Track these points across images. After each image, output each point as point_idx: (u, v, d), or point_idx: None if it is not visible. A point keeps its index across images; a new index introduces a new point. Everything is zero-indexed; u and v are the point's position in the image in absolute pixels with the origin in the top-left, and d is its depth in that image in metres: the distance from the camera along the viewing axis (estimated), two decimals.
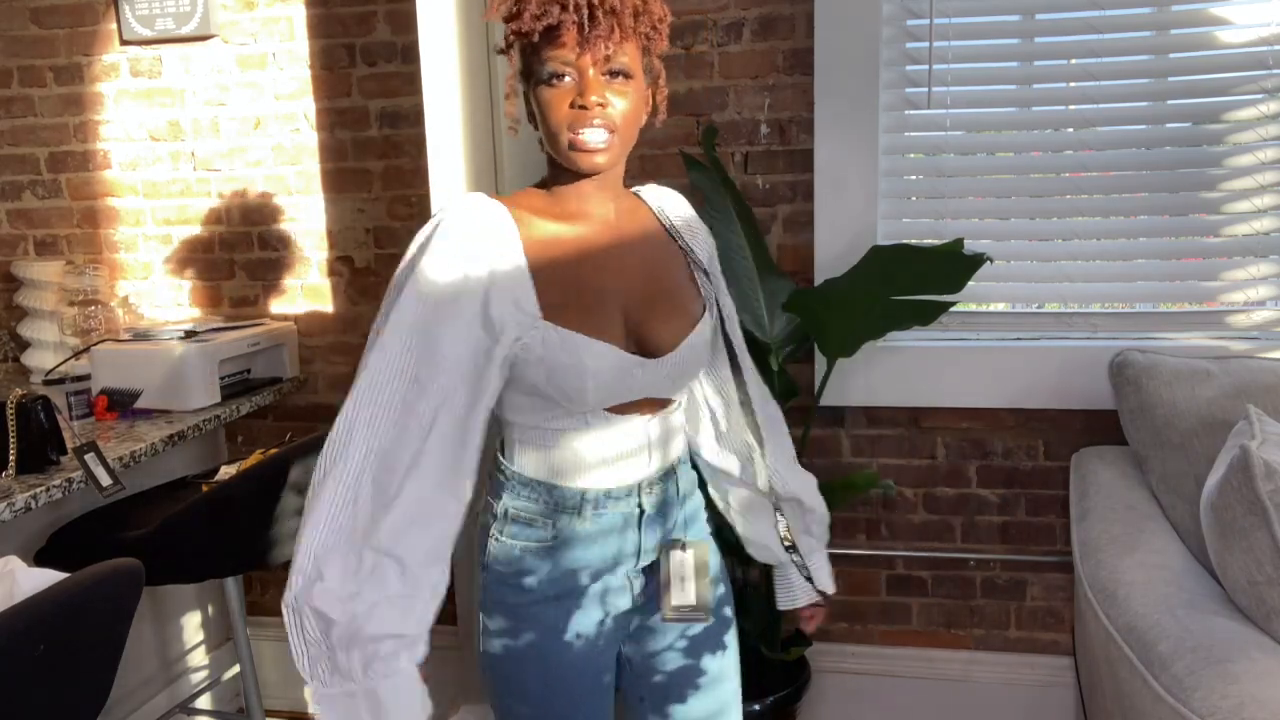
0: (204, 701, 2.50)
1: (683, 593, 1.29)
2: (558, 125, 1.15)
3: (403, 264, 1.22)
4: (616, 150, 1.18)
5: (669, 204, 1.35)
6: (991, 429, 2.30)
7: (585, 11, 1.12)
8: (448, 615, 2.52)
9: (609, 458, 1.26)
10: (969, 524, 2.34)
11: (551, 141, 1.18)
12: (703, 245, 1.36)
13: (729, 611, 1.42)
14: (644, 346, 1.23)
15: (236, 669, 2.13)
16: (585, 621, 1.28)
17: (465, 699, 2.22)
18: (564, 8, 1.12)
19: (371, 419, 1.12)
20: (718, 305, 1.36)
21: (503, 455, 1.30)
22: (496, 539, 1.29)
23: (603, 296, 1.22)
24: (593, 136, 1.14)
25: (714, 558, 1.40)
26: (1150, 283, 2.24)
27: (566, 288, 1.19)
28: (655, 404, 1.28)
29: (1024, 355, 2.24)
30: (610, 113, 1.15)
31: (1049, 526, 2.31)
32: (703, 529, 1.40)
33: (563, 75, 1.14)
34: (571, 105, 1.14)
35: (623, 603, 1.31)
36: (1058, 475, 2.28)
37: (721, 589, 1.41)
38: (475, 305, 1.16)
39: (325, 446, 1.13)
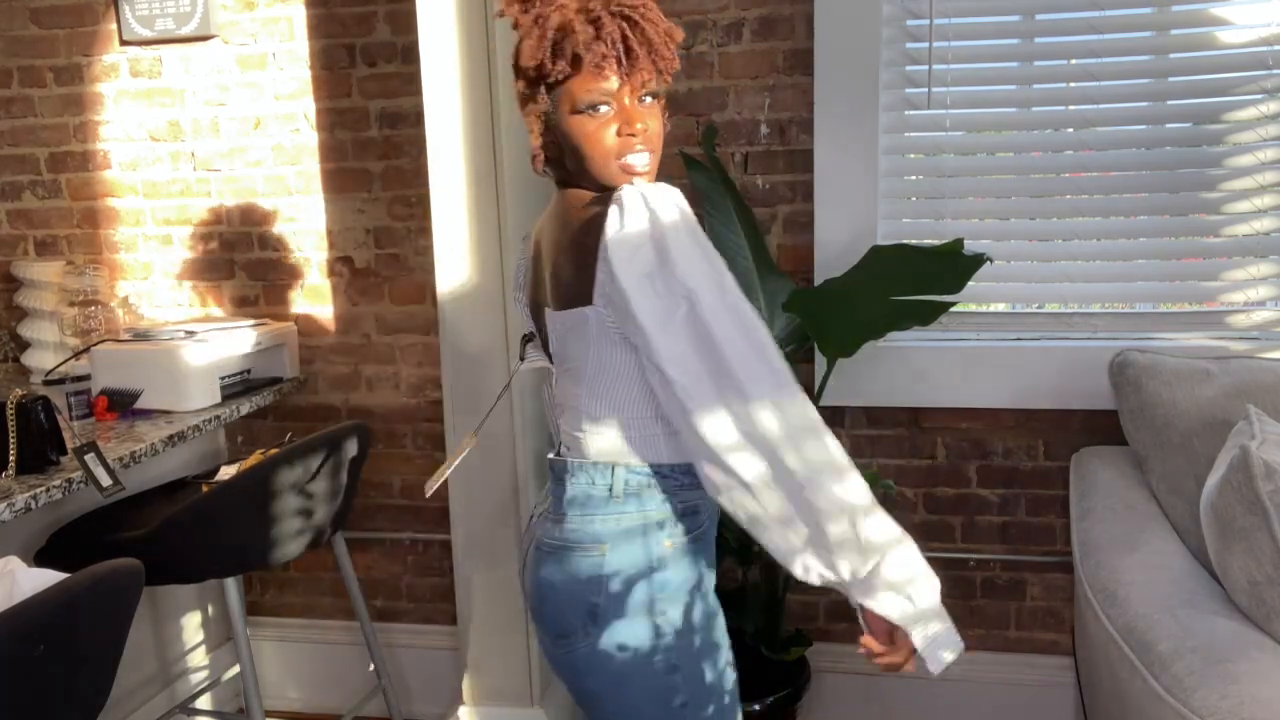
0: (204, 701, 2.50)
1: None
2: (605, 153, 1.22)
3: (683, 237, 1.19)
4: (655, 169, 1.26)
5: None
6: (991, 429, 2.30)
7: (621, 48, 1.19)
8: (448, 616, 2.54)
9: None
10: (969, 524, 2.34)
11: (598, 170, 1.24)
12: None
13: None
14: None
15: (236, 669, 2.13)
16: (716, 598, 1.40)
17: (465, 699, 2.23)
18: (606, 44, 1.18)
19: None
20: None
21: (617, 476, 1.34)
22: (666, 541, 1.36)
23: None
24: (639, 160, 1.23)
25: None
26: (1150, 283, 2.24)
27: None
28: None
29: (1024, 355, 2.24)
30: (649, 135, 1.23)
31: (1049, 526, 2.31)
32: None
33: (599, 106, 1.21)
34: (619, 133, 1.22)
35: None
36: (1058, 475, 2.28)
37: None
38: None
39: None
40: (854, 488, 1.16)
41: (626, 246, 1.17)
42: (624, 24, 1.20)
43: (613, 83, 1.20)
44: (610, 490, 1.27)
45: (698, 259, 1.17)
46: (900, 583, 1.19)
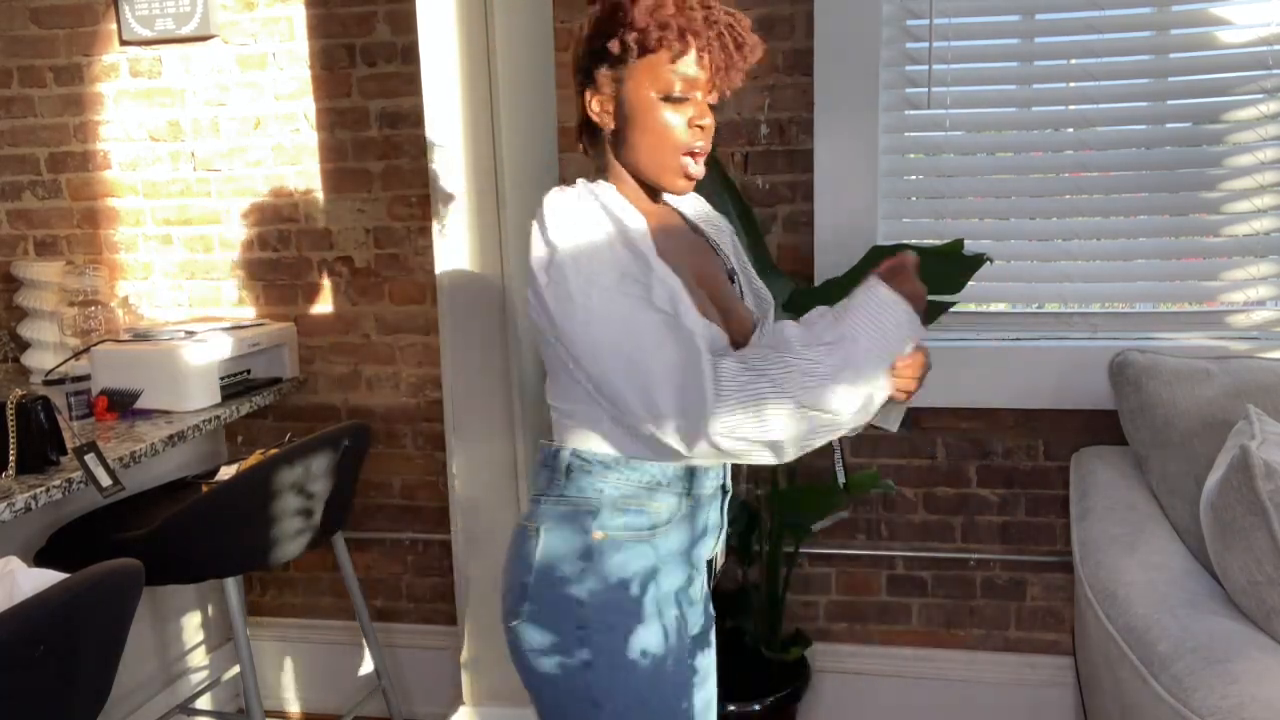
0: (204, 702, 2.50)
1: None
2: (674, 146, 1.18)
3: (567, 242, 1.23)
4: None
5: (697, 210, 1.41)
6: (991, 429, 2.30)
7: (730, 43, 1.17)
8: (448, 616, 2.54)
9: None
10: (969, 524, 2.34)
11: (659, 157, 1.20)
12: (729, 242, 1.42)
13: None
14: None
15: (236, 669, 2.13)
16: (684, 621, 1.34)
17: (465, 699, 2.23)
18: (714, 30, 1.16)
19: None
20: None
21: (571, 463, 1.35)
22: (602, 537, 1.33)
23: (727, 291, 1.32)
24: (695, 165, 1.20)
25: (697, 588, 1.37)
26: (1150, 283, 2.24)
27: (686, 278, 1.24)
28: None
29: (1024, 355, 2.24)
30: (710, 137, 1.21)
31: (1049, 526, 2.31)
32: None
33: (685, 97, 1.17)
34: (690, 124, 1.18)
35: (704, 589, 1.40)
36: (1058, 475, 2.28)
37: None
38: None
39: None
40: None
41: None
42: (731, 17, 1.18)
43: (705, 73, 1.17)
44: (553, 472, 1.26)
45: None
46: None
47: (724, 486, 1.34)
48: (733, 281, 1.36)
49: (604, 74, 1.20)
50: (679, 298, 1.12)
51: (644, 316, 1.11)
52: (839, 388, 1.10)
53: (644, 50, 1.17)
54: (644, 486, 1.23)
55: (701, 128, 1.18)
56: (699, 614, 1.36)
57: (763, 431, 1.11)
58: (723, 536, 1.37)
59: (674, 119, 1.17)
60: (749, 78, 1.25)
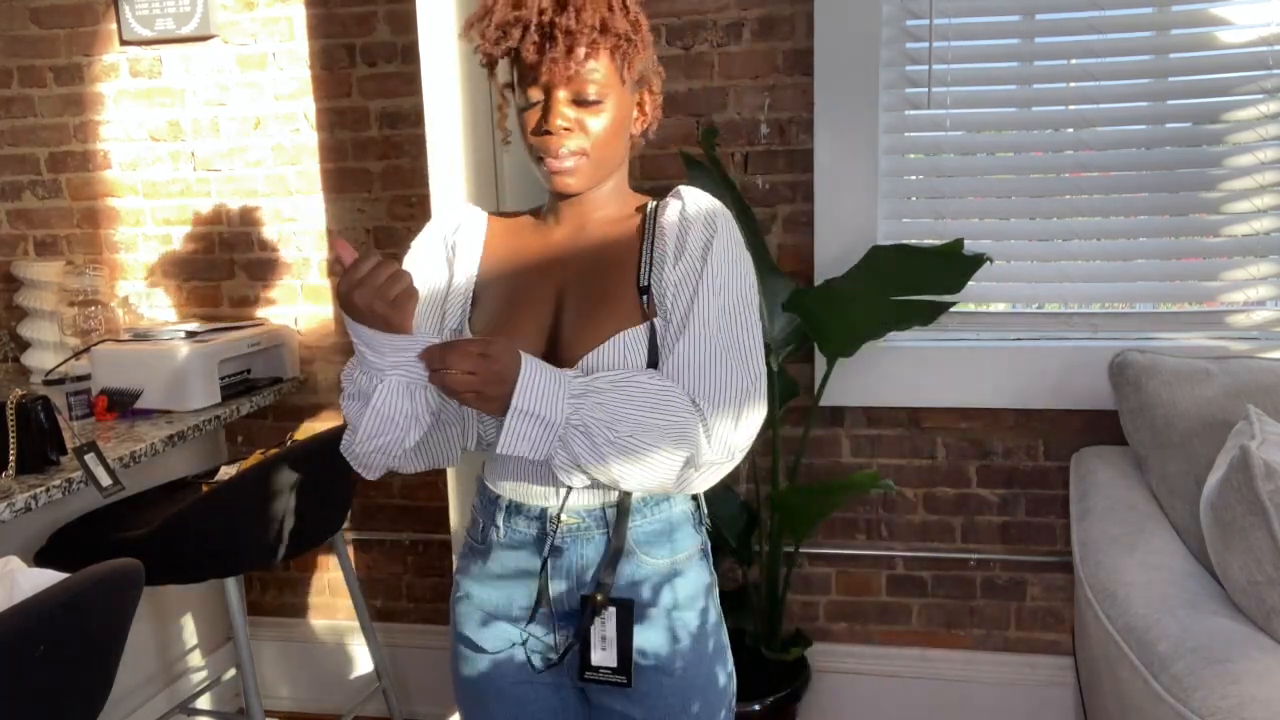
0: (204, 701, 2.50)
1: (603, 652, 1.17)
2: (528, 149, 1.16)
3: None
4: (588, 173, 1.16)
5: (667, 206, 1.22)
6: (991, 429, 2.30)
7: (546, 32, 1.08)
8: (448, 616, 2.53)
9: (518, 470, 1.20)
10: (969, 524, 2.34)
11: (530, 164, 1.19)
12: (674, 253, 1.17)
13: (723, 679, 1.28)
14: (554, 359, 1.15)
15: (236, 669, 2.13)
16: (497, 641, 1.26)
17: None
18: (524, 30, 1.08)
19: None
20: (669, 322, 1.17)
21: None
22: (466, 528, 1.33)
23: (520, 308, 1.19)
24: (559, 163, 1.13)
25: (673, 630, 1.22)
26: (1150, 283, 2.24)
27: (493, 298, 1.22)
28: None
29: (1024, 355, 2.24)
30: (577, 137, 1.12)
31: (1049, 526, 2.31)
32: (669, 595, 1.22)
33: (532, 99, 1.12)
34: (535, 130, 1.13)
35: (545, 640, 1.23)
36: (1058, 475, 2.28)
37: (717, 659, 1.27)
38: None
39: None
40: None
41: None
42: (553, 7, 1.08)
43: (533, 73, 1.10)
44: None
45: None
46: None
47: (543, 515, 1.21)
48: (642, 295, 1.17)
49: (500, 91, 1.23)
50: None
51: None
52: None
53: (510, 70, 1.17)
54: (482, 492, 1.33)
55: (547, 132, 1.11)
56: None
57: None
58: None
59: (524, 124, 1.15)
60: (628, 46, 1.12)
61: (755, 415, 1.15)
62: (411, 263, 1.23)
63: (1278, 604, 1.41)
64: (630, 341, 1.14)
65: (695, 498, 1.27)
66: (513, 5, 1.10)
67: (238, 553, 1.91)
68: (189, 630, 2.55)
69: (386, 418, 1.10)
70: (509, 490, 1.22)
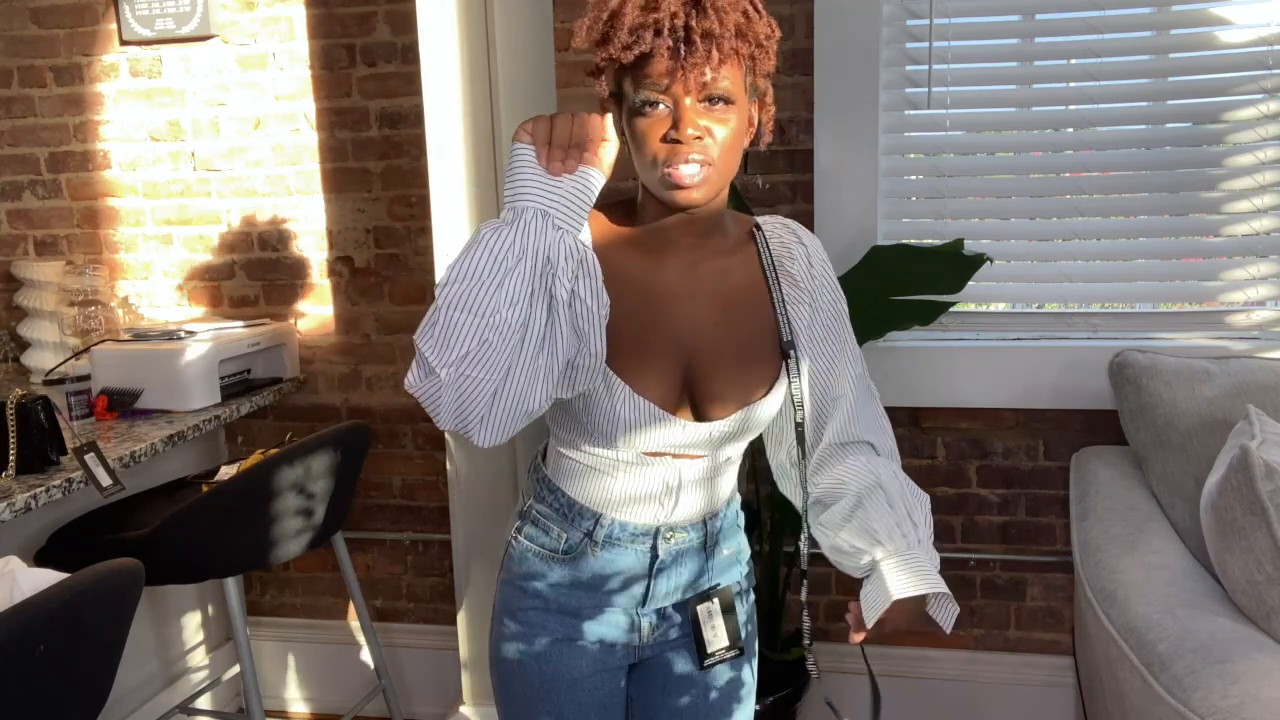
0: (204, 701, 2.50)
1: (715, 638, 1.29)
2: (651, 158, 1.06)
3: None
4: (714, 185, 1.09)
5: (788, 249, 1.22)
6: (991, 429, 2.30)
7: (680, 35, 1.02)
8: (448, 616, 2.54)
9: (634, 494, 1.22)
10: (969, 524, 2.34)
11: (646, 175, 1.09)
12: (809, 306, 1.21)
13: (751, 646, 1.39)
14: (697, 407, 1.17)
15: (236, 669, 2.13)
16: (582, 643, 1.26)
17: (465, 699, 2.22)
18: (658, 33, 1.03)
19: None
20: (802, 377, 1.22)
21: (542, 459, 1.31)
22: (514, 538, 1.29)
23: (660, 346, 1.15)
24: (688, 171, 1.05)
25: (745, 598, 1.37)
26: (1150, 283, 2.24)
27: (623, 319, 1.11)
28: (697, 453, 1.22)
29: (1024, 355, 2.24)
30: (707, 144, 1.06)
31: (1049, 526, 2.31)
32: (736, 572, 1.34)
33: (656, 103, 1.05)
34: (665, 138, 1.05)
35: (628, 638, 1.28)
36: (1058, 475, 2.28)
37: (748, 626, 1.37)
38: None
39: None
40: None
41: None
42: (689, 9, 1.03)
43: (663, 78, 1.04)
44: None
45: None
46: None
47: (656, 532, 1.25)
48: (786, 357, 1.19)
49: (602, 98, 1.14)
50: None
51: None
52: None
53: (614, 76, 1.10)
54: (551, 501, 1.31)
55: (679, 140, 1.04)
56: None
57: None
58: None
59: (647, 131, 1.06)
60: (761, 54, 1.09)
61: None
62: None
63: (1278, 604, 1.42)
64: (770, 403, 1.21)
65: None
66: (645, 8, 1.04)
67: (238, 553, 1.91)
68: (189, 630, 2.55)
69: (500, 305, 1.02)
70: (611, 509, 1.23)
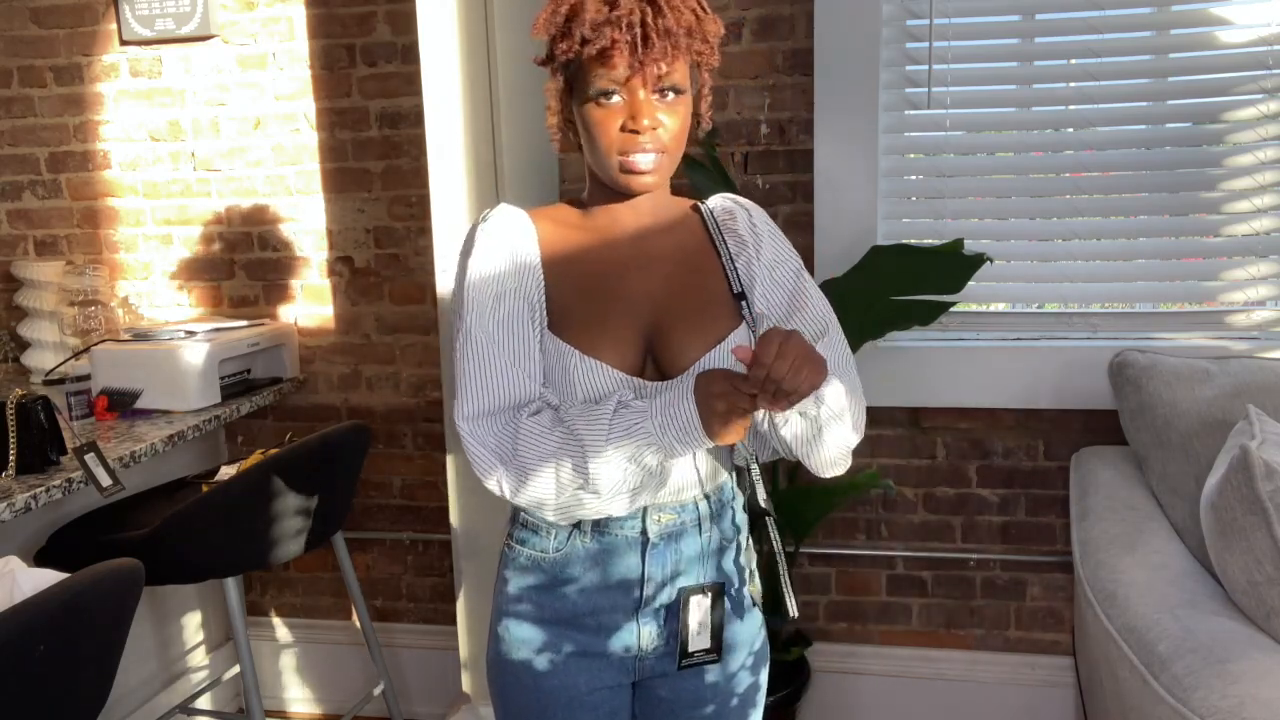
0: (204, 701, 2.50)
1: (698, 638, 1.24)
2: (607, 147, 1.13)
3: (456, 271, 1.24)
4: (665, 170, 1.16)
5: (730, 213, 1.29)
6: (991, 429, 2.30)
7: (638, 32, 1.09)
8: (448, 616, 2.54)
9: None
10: (969, 524, 2.34)
11: (599, 162, 1.16)
12: (756, 258, 1.26)
13: (760, 645, 1.34)
14: (660, 366, 1.19)
15: (236, 669, 2.13)
16: (578, 656, 1.24)
17: (464, 699, 2.22)
18: (616, 28, 1.09)
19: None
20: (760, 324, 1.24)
21: None
22: (509, 544, 1.27)
23: (613, 312, 1.19)
24: (644, 159, 1.13)
25: (745, 610, 1.31)
26: (1150, 283, 2.24)
27: (575, 300, 1.19)
28: None
29: (1024, 355, 2.24)
30: (661, 134, 1.13)
31: (1049, 526, 2.31)
32: (736, 579, 1.31)
33: (611, 94, 1.12)
34: (623, 128, 1.12)
35: (627, 648, 1.25)
36: (1058, 475, 2.28)
37: (756, 624, 1.33)
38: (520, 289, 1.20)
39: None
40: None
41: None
42: (645, 7, 1.10)
43: (621, 71, 1.10)
44: None
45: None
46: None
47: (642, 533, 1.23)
48: (740, 306, 1.23)
49: (548, 87, 1.21)
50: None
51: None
52: (590, 463, 1.11)
53: (564, 68, 1.16)
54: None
55: (637, 130, 1.11)
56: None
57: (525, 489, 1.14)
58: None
59: (606, 122, 1.13)
60: (707, 51, 1.16)
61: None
62: (495, 282, 1.19)
63: (1278, 604, 1.42)
64: (738, 343, 1.20)
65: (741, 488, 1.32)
66: (606, 4, 1.10)
67: (238, 553, 1.91)
68: (189, 630, 2.55)
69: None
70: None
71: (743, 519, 1.31)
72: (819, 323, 1.25)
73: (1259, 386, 1.89)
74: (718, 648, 1.25)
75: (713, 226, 1.28)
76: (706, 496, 1.25)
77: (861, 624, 2.42)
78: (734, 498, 1.30)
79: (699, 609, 1.24)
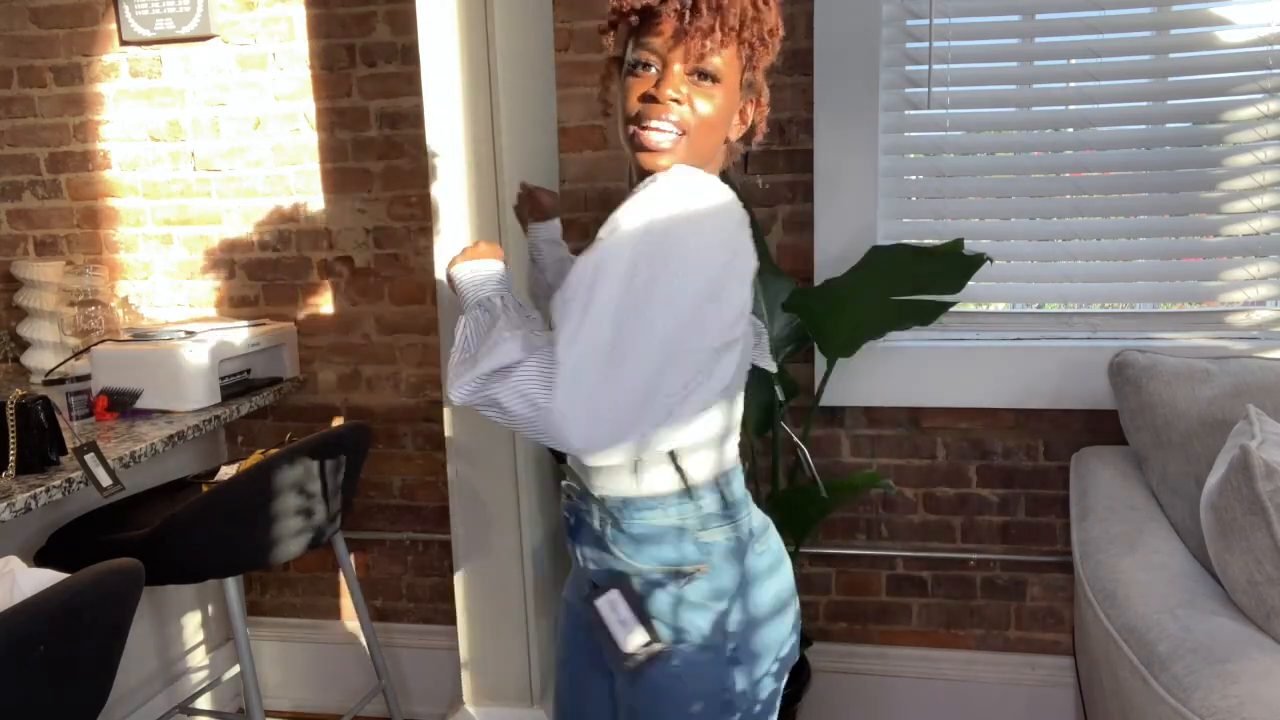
0: (204, 701, 2.50)
1: (630, 634, 1.12)
2: (626, 114, 1.09)
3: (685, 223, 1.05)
4: (682, 153, 1.08)
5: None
6: (991, 429, 2.30)
7: (689, 3, 1.05)
8: (448, 616, 2.54)
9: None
10: (969, 524, 2.34)
11: (620, 132, 1.12)
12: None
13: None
14: None
15: (236, 669, 2.13)
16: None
17: (465, 699, 2.23)
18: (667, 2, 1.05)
19: None
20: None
21: None
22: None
23: None
24: (656, 134, 1.07)
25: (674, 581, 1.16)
26: (1150, 283, 2.24)
27: None
28: None
29: (1024, 355, 2.24)
30: (684, 111, 1.07)
31: (1049, 526, 2.31)
32: (650, 556, 1.16)
33: (649, 65, 1.08)
34: (644, 97, 1.07)
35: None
36: (1058, 475, 2.28)
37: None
38: None
39: None
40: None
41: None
42: None
43: (664, 41, 1.06)
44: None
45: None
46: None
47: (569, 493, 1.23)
48: None
49: (609, 62, 1.19)
50: None
51: None
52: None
53: (621, 39, 1.13)
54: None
55: (657, 100, 1.06)
56: None
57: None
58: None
59: (629, 88, 1.09)
60: (759, 44, 1.10)
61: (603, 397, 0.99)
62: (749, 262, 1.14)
63: (1278, 604, 1.41)
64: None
65: (697, 517, 1.17)
66: None
67: (238, 553, 1.91)
68: (189, 630, 2.55)
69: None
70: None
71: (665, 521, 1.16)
72: (577, 272, 1.02)
73: (1259, 386, 1.89)
74: (655, 634, 1.13)
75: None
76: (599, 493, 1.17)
77: (861, 624, 2.42)
78: (637, 511, 1.16)
79: (612, 607, 1.14)
